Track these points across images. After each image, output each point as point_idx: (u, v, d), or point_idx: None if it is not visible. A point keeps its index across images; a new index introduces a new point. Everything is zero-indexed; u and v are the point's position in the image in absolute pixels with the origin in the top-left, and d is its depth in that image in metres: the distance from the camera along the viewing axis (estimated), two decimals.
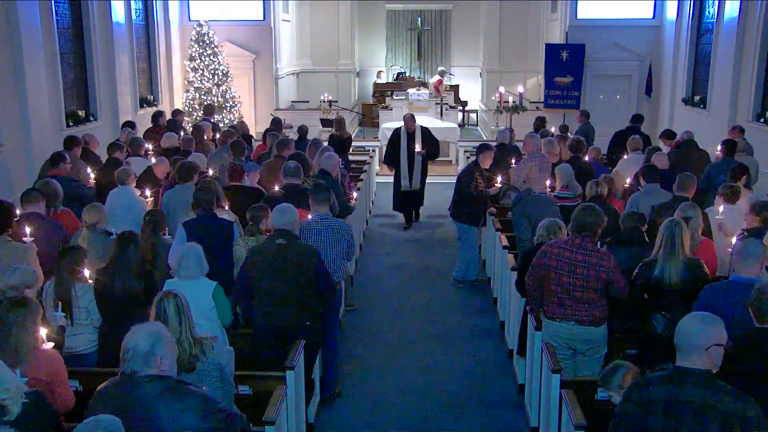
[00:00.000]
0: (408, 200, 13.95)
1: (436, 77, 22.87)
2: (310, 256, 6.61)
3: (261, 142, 13.39)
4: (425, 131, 13.64)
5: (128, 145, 11.30)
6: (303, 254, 6.58)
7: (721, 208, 8.19)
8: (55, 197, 8.17)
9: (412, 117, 13.66)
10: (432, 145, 13.68)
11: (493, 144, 12.07)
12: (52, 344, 5.31)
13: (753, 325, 4.79)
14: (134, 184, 9.21)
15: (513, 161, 11.55)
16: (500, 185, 10.62)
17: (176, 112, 15.17)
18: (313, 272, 6.58)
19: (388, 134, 14.86)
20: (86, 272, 6.39)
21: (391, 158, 13.77)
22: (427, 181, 13.92)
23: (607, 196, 8.67)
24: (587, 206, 6.55)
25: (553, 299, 6.41)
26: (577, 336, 6.35)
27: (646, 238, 7.18)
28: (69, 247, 6.54)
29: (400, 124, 13.82)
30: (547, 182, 9.97)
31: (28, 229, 7.20)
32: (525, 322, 7.41)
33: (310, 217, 7.59)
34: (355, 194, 11.29)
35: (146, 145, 11.76)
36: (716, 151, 11.50)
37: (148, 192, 9.37)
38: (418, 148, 13.31)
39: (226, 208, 8.12)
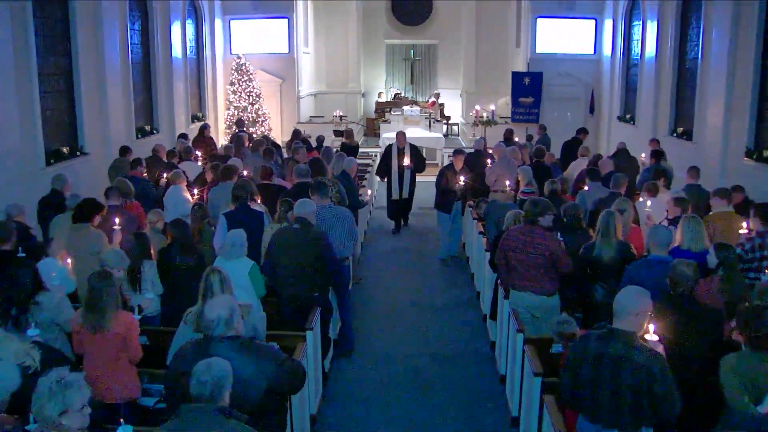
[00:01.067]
0: (398, 208, 12.67)
1: (432, 99, 22.79)
2: (318, 239, 6.54)
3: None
4: (414, 148, 12.51)
5: (182, 152, 11.28)
6: (312, 237, 6.50)
7: (649, 202, 8.21)
8: (129, 193, 8.16)
9: (404, 134, 12.54)
10: (419, 160, 12.44)
11: (468, 150, 12.00)
12: (140, 316, 5.40)
13: (668, 291, 4.88)
14: (185, 184, 9.16)
15: (489, 161, 11.49)
16: (463, 183, 10.59)
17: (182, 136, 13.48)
18: (320, 252, 6.49)
19: (388, 142, 14.20)
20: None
21: (382, 170, 12.54)
22: (415, 191, 12.76)
23: (561, 192, 8.64)
24: (533, 200, 6.61)
25: (515, 273, 6.43)
26: (534, 303, 6.36)
27: (584, 225, 7.29)
28: (139, 234, 6.54)
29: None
30: (507, 182, 9.94)
31: (117, 219, 7.19)
32: (496, 293, 7.40)
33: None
34: (369, 191, 11.23)
35: (195, 152, 11.73)
36: (641, 157, 11.49)
37: (195, 191, 9.32)
38: (406, 161, 12.10)
39: (258, 201, 8.07)
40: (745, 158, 10.80)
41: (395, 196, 12.41)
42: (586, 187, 9.17)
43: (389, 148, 12.52)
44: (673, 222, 7.02)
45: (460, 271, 10.67)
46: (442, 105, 24.15)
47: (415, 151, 12.53)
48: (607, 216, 6.28)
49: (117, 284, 5.11)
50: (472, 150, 12.35)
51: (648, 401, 3.91)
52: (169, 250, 6.53)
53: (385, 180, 12.63)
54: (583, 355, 4.10)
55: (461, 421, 6.31)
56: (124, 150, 10.66)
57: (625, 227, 6.77)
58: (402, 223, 12.99)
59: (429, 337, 8.15)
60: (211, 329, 3.98)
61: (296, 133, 13.60)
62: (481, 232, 9.18)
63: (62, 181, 8.34)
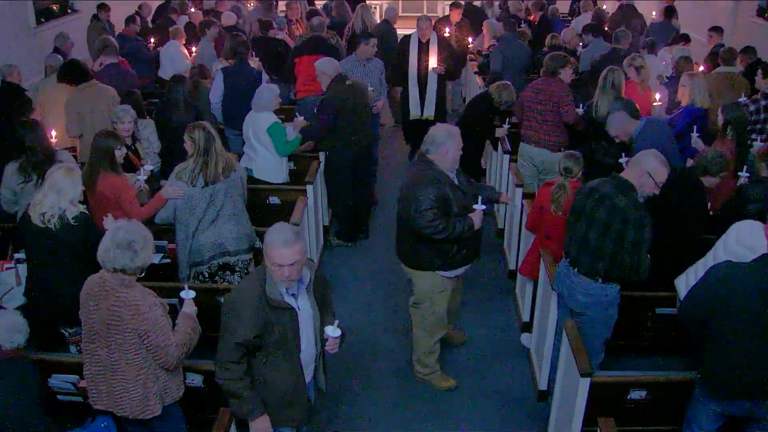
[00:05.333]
0: (418, 130, 7.27)
1: None
2: (365, 90, 6.64)
3: None
4: (443, 41, 8.25)
5: (179, 8, 10.62)
6: (364, 90, 6.57)
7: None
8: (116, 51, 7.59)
9: (428, 20, 8.10)
10: (451, 59, 8.34)
11: (463, 2, 10.78)
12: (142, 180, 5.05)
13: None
14: (183, 40, 8.66)
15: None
16: (446, 34, 9.13)
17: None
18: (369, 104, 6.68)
19: None
20: None
21: (398, 75, 8.18)
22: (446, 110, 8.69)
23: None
24: (555, 54, 6.52)
25: (530, 127, 6.42)
26: (542, 157, 6.31)
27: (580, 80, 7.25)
28: (130, 92, 6.23)
29: None
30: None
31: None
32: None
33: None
34: None
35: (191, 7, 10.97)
36: (651, 15, 10.70)
37: (194, 48, 8.76)
38: (433, 63, 7.95)
39: (253, 56, 7.59)
40: (757, 17, 10.08)
41: (414, 113, 8.16)
42: (580, 45, 8.63)
43: (406, 40, 8.13)
44: (675, 80, 6.74)
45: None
46: None
47: (446, 44, 8.31)
48: (609, 72, 5.94)
49: (115, 145, 4.79)
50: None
51: (612, 244, 3.94)
52: (166, 107, 6.29)
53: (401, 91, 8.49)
54: (580, 191, 4.23)
55: None
56: (101, 7, 9.91)
57: (642, 84, 6.41)
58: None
59: None
60: None
61: None
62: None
63: (63, 38, 8.16)
